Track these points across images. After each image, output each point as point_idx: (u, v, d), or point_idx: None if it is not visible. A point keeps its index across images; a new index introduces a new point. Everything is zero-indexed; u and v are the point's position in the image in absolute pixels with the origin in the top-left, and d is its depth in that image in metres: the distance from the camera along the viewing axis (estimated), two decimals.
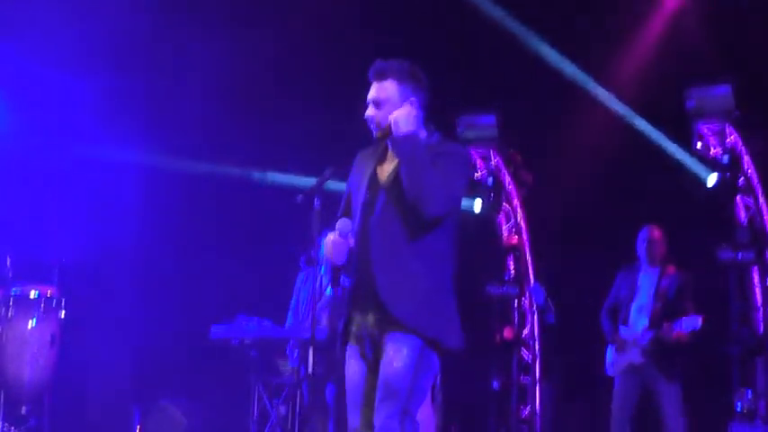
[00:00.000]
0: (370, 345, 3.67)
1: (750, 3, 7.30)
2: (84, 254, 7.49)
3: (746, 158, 7.17)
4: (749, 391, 6.81)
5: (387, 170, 3.73)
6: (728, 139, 7.15)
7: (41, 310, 6.37)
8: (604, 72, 8.11)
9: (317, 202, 5.33)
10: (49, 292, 6.45)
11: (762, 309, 7.03)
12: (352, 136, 7.88)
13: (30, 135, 7.74)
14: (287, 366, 6.88)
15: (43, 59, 7.62)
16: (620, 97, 8.01)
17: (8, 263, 6.40)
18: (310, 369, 5.32)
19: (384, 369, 3.58)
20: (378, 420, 3.55)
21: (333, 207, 5.35)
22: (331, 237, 3.72)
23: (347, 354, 3.74)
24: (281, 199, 6.71)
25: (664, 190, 7.69)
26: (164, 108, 8.38)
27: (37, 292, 6.41)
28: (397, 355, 3.56)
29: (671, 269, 6.63)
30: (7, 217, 7.32)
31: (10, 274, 6.40)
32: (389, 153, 3.75)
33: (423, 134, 3.72)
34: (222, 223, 8.45)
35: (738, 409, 6.81)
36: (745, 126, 7.11)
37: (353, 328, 3.72)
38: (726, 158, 7.07)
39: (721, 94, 7.02)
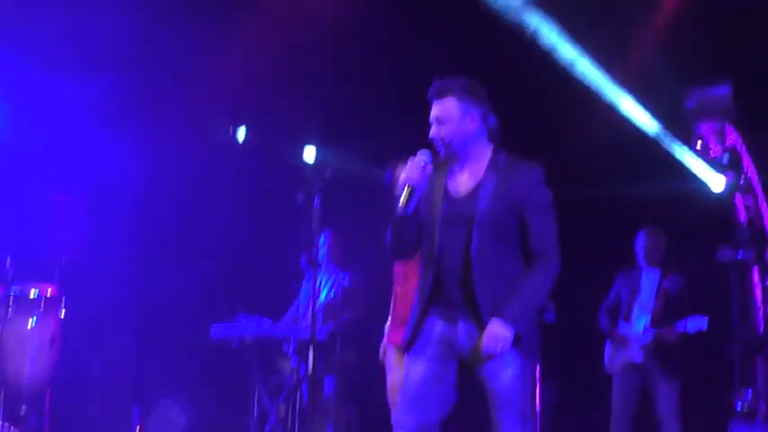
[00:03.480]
0: (452, 352, 3.82)
1: (750, 3, 7.30)
2: (84, 254, 7.50)
3: (746, 158, 7.16)
4: (749, 391, 6.80)
5: (462, 186, 3.88)
6: (728, 140, 7.14)
7: (41, 309, 6.36)
8: (605, 72, 8.10)
9: (317, 201, 5.36)
10: (49, 291, 6.45)
11: (762, 308, 7.02)
12: (352, 132, 7.89)
13: (29, 135, 7.73)
14: (287, 366, 6.88)
15: (40, 59, 7.61)
16: (621, 97, 8.01)
17: (8, 263, 6.40)
18: (310, 369, 5.35)
19: (494, 381, 3.78)
20: (502, 428, 3.79)
21: (333, 207, 5.37)
22: (415, 167, 3.82)
23: (416, 352, 3.87)
24: (281, 198, 6.71)
25: (664, 189, 7.69)
26: (163, 107, 8.37)
27: (37, 291, 6.41)
28: (503, 366, 3.76)
29: (672, 270, 6.67)
30: (7, 217, 7.32)
31: (10, 274, 6.39)
32: (460, 169, 3.92)
33: (489, 149, 3.91)
34: (222, 223, 8.45)
35: (738, 409, 6.80)
36: (745, 126, 7.11)
37: (436, 335, 3.85)
38: (726, 158, 7.07)
39: (721, 94, 7.02)
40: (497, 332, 3.70)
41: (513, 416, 3.79)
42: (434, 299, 3.86)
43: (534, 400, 3.95)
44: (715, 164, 7.14)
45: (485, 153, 3.92)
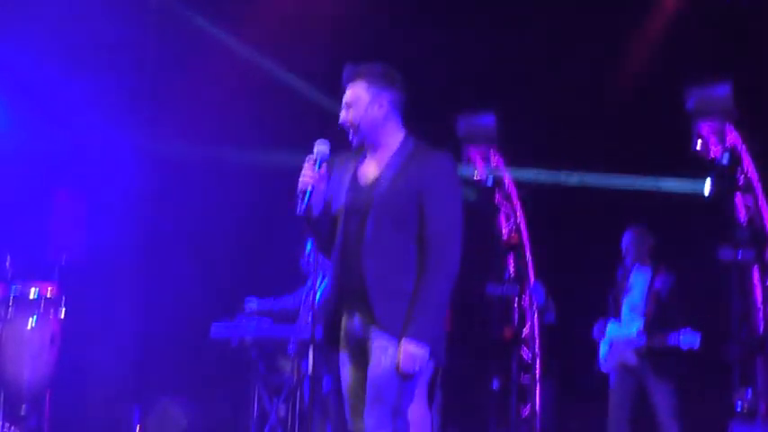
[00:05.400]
0: (358, 349, 3.69)
1: (750, 3, 7.30)
2: (84, 254, 7.50)
3: (746, 158, 7.17)
4: (749, 391, 6.81)
5: (369, 174, 3.75)
6: (728, 139, 7.15)
7: (41, 309, 6.36)
8: (603, 72, 8.12)
9: None
10: (49, 291, 6.45)
11: (762, 308, 7.03)
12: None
13: (29, 134, 7.73)
14: (288, 366, 6.88)
15: (44, 58, 7.62)
16: (618, 97, 8.03)
17: (8, 262, 6.40)
18: (310, 369, 5.34)
19: (372, 371, 3.60)
20: (369, 422, 3.57)
21: None
22: (308, 170, 3.70)
23: (340, 360, 3.77)
24: (281, 198, 6.71)
25: (664, 189, 7.69)
26: (163, 106, 8.38)
27: (37, 291, 6.41)
28: (383, 356, 3.57)
29: (663, 269, 6.61)
30: (7, 217, 7.32)
31: (10, 274, 6.39)
32: (370, 157, 3.78)
33: (399, 136, 3.76)
34: (222, 223, 8.45)
35: (738, 409, 6.81)
36: (745, 126, 7.12)
37: (341, 333, 3.75)
38: (726, 158, 7.08)
39: (721, 94, 7.02)
40: (413, 352, 3.54)
41: (384, 409, 3.55)
42: (343, 292, 3.72)
43: (428, 394, 3.76)
44: (713, 165, 7.15)
45: (395, 140, 3.75)
